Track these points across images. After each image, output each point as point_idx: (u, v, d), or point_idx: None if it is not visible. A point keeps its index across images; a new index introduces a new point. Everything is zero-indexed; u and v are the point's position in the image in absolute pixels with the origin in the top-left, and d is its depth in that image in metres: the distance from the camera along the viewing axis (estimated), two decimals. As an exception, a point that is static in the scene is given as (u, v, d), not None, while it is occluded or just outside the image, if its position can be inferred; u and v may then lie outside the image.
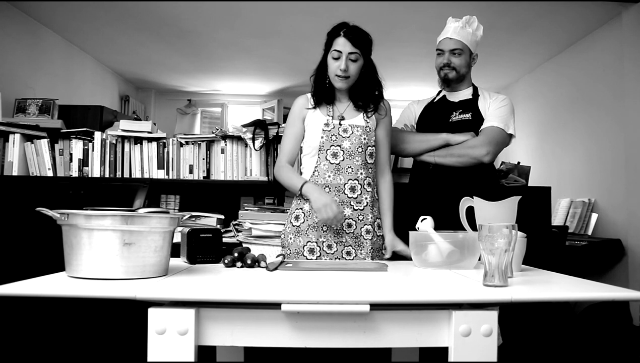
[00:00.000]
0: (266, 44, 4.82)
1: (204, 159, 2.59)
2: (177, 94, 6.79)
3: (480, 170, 2.00)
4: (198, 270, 1.36)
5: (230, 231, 2.36)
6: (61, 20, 4.28)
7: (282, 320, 1.01)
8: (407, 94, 6.07)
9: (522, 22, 4.12)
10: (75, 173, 2.56)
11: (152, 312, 0.98)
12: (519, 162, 2.83)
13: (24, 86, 4.02)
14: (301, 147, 1.86)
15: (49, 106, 3.28)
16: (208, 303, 1.01)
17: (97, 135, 2.59)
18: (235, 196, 2.57)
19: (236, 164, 2.57)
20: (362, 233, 1.75)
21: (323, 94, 1.81)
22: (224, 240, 1.91)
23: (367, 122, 1.79)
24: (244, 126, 2.53)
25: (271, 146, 2.52)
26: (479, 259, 1.23)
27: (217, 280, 1.20)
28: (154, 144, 2.60)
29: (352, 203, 1.74)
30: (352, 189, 1.74)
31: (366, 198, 1.76)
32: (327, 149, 1.75)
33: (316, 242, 1.74)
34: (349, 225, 1.74)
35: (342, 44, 1.70)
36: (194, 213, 2.36)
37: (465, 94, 2.11)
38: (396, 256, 1.80)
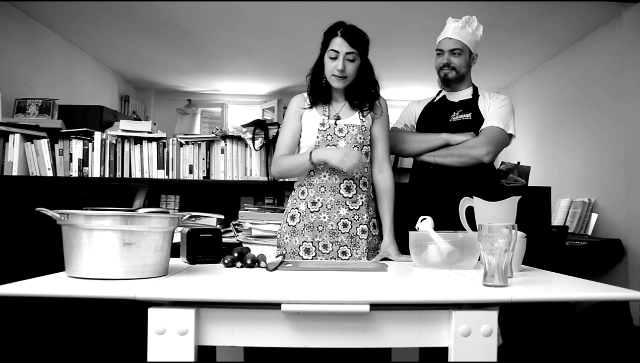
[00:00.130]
0: (266, 44, 4.82)
1: (204, 159, 2.59)
2: (177, 94, 6.79)
3: (480, 170, 2.00)
4: (198, 270, 1.36)
5: (230, 231, 2.36)
6: (61, 20, 4.28)
7: (282, 320, 1.01)
8: (407, 94, 6.07)
9: (522, 22, 4.12)
10: (75, 173, 2.56)
11: (152, 312, 0.98)
12: (519, 162, 2.83)
13: (24, 86, 4.02)
14: (298, 147, 1.86)
15: (49, 106, 3.28)
16: (208, 303, 1.01)
17: (97, 135, 2.59)
18: (235, 196, 2.57)
19: (236, 164, 2.57)
20: (358, 233, 1.75)
21: (319, 93, 1.81)
22: (224, 240, 1.91)
23: (363, 121, 1.80)
24: (243, 126, 2.53)
25: (271, 146, 2.52)
26: (479, 259, 1.23)
27: (217, 280, 1.20)
28: (154, 144, 2.60)
29: (347, 203, 1.74)
30: (348, 189, 1.74)
31: (362, 197, 1.76)
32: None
33: (312, 242, 1.74)
34: (345, 225, 1.74)
35: (339, 44, 1.70)
36: (194, 213, 2.36)
37: (465, 94, 2.11)
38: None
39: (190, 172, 2.60)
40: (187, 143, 2.61)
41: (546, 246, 2.33)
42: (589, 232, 4.03)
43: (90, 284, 1.08)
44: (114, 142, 2.59)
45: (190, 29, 4.46)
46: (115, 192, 2.46)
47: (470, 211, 1.46)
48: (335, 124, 1.77)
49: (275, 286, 1.14)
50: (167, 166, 2.60)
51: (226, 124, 6.84)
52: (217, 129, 2.57)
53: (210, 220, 2.39)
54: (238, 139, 2.56)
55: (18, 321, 2.38)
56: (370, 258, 1.76)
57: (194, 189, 2.60)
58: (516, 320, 2.36)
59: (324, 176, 1.75)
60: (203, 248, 1.50)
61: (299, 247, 1.75)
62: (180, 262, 1.54)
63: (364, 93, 1.80)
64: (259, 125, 2.50)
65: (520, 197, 1.41)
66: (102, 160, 2.58)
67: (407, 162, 2.48)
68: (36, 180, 2.53)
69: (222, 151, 2.58)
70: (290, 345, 1.01)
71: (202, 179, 2.59)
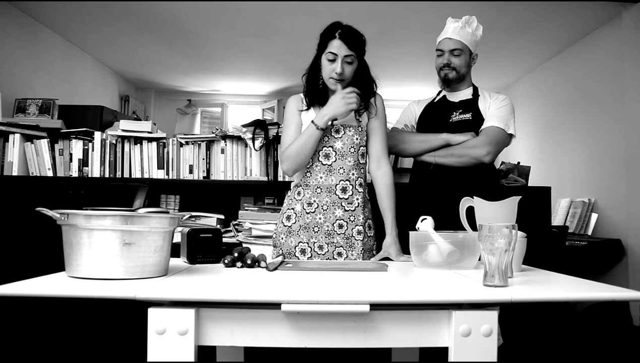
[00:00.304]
0: (266, 44, 4.82)
1: (204, 159, 2.59)
2: (177, 94, 6.79)
3: (480, 170, 2.00)
4: (198, 270, 1.36)
5: (230, 231, 2.36)
6: (61, 20, 4.28)
7: (282, 320, 1.01)
8: (407, 94, 6.07)
9: (522, 22, 4.12)
10: (75, 173, 2.56)
11: (152, 312, 0.98)
12: (519, 162, 2.83)
13: (24, 86, 4.02)
14: None
15: (49, 106, 3.28)
16: (208, 303, 1.01)
17: (97, 135, 2.59)
18: (235, 196, 2.57)
19: (236, 164, 2.57)
20: (354, 234, 1.74)
21: (316, 95, 1.80)
22: (224, 240, 1.91)
23: (360, 122, 1.79)
24: (244, 126, 2.53)
25: (271, 146, 2.52)
26: (479, 259, 1.23)
27: (217, 280, 1.20)
28: (154, 144, 2.60)
29: (343, 204, 1.74)
30: (344, 190, 1.74)
31: (357, 199, 1.76)
32: (320, 150, 1.75)
33: (307, 243, 1.74)
34: (340, 226, 1.74)
35: (337, 47, 1.69)
36: (194, 213, 2.37)
37: (465, 94, 2.11)
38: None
39: (190, 172, 2.60)
40: (187, 143, 2.61)
41: (546, 246, 2.33)
42: (589, 232, 4.04)
43: (90, 284, 1.08)
44: (114, 142, 2.59)
45: (190, 29, 4.46)
46: (115, 192, 2.46)
47: (470, 211, 1.46)
48: (332, 125, 1.76)
49: (275, 286, 1.14)
50: (167, 166, 2.60)
51: (226, 124, 6.84)
52: (217, 129, 2.57)
53: (210, 220, 2.39)
54: (238, 139, 2.56)
55: (18, 321, 2.38)
56: (366, 260, 1.76)
57: (194, 189, 2.60)
58: (516, 320, 2.36)
59: (321, 177, 1.75)
60: (203, 248, 1.50)
61: (295, 248, 1.75)
62: (180, 262, 1.54)
63: (360, 93, 1.79)
64: (259, 125, 2.50)
65: (520, 197, 1.41)
66: (102, 160, 2.58)
67: (407, 162, 2.47)
68: (36, 180, 2.53)
69: (222, 151, 2.58)
70: (290, 345, 1.01)
71: (202, 179, 2.59)
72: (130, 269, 1.15)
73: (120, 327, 2.33)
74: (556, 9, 3.83)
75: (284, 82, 6.23)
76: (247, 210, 2.34)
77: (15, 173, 2.54)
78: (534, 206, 2.39)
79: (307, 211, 1.75)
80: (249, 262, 1.42)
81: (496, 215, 1.34)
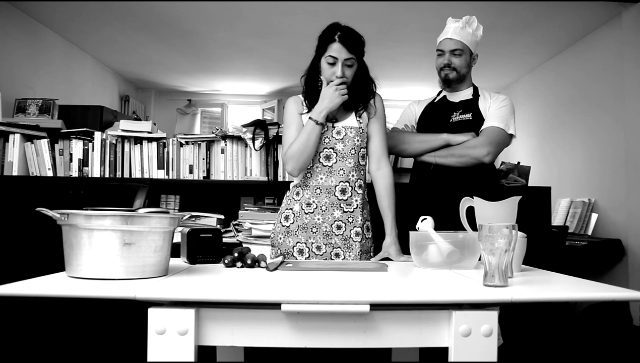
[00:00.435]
0: (266, 44, 4.82)
1: (204, 159, 2.59)
2: (177, 94, 6.79)
3: (480, 171, 2.00)
4: (198, 270, 1.36)
5: (230, 231, 2.36)
6: (61, 20, 4.28)
7: (282, 320, 1.01)
8: (407, 94, 6.07)
9: (522, 22, 4.12)
10: (75, 173, 2.56)
11: (152, 312, 0.98)
12: (519, 162, 2.83)
13: (24, 86, 4.02)
14: None
15: (49, 106, 3.28)
16: (208, 303, 1.01)
17: (97, 135, 2.59)
18: (235, 196, 2.57)
19: (236, 164, 2.57)
20: (352, 236, 1.74)
21: (316, 96, 1.78)
22: (224, 240, 1.91)
23: (360, 123, 1.79)
24: (244, 126, 2.53)
25: (271, 146, 2.52)
26: (479, 259, 1.23)
27: (217, 280, 1.20)
28: (154, 144, 2.60)
29: (342, 205, 1.74)
30: (343, 191, 1.74)
31: (356, 200, 1.76)
32: (320, 152, 1.75)
33: (305, 243, 1.74)
34: (338, 227, 1.74)
35: (337, 50, 1.68)
36: (194, 213, 2.36)
37: (465, 94, 2.11)
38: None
39: (190, 172, 2.60)
40: (187, 143, 2.61)
41: (546, 246, 2.33)
42: (589, 232, 4.03)
43: (90, 284, 1.08)
44: (114, 142, 2.59)
45: (190, 29, 4.46)
46: (115, 192, 2.46)
47: (470, 211, 1.46)
48: (333, 126, 1.76)
49: (275, 286, 1.14)
50: (167, 166, 2.60)
51: (226, 124, 6.84)
52: (217, 129, 2.57)
53: (210, 220, 2.39)
54: (238, 139, 2.56)
55: (18, 321, 2.38)
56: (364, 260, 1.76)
57: (194, 189, 2.60)
58: (516, 320, 2.36)
59: (321, 178, 1.75)
60: (203, 248, 1.50)
61: (293, 248, 1.75)
62: (180, 262, 1.54)
63: (359, 94, 1.79)
64: (259, 125, 2.50)
65: (520, 197, 1.41)
66: (102, 160, 2.58)
67: (408, 162, 2.47)
68: (36, 180, 2.53)
69: (222, 151, 2.58)
70: (290, 345, 1.01)
71: (202, 179, 2.59)
72: (130, 269, 1.15)
73: (120, 327, 2.33)
74: (556, 9, 3.83)
75: (284, 82, 6.23)
76: (247, 210, 2.34)
77: (15, 173, 2.54)
78: (534, 206, 2.39)
79: (306, 211, 1.75)
80: (249, 262, 1.42)
81: (496, 215, 1.34)
